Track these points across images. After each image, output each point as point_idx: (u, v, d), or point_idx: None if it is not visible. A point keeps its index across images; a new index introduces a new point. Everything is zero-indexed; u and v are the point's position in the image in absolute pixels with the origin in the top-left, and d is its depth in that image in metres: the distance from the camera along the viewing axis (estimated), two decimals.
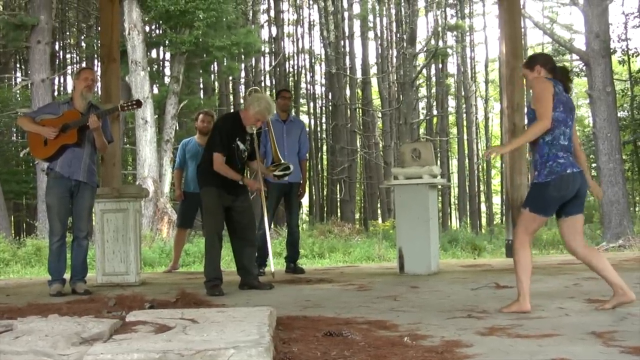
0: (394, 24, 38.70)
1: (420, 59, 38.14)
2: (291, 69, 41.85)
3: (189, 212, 10.15)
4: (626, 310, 5.16)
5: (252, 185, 7.59)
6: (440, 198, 35.30)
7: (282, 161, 8.18)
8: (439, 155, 36.57)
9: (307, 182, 11.11)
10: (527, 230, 5.40)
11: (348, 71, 36.80)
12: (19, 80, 29.30)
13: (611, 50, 21.12)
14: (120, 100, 9.31)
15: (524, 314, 5.18)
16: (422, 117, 40.31)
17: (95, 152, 7.69)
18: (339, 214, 34.76)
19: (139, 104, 7.94)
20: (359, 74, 38.27)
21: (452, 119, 44.43)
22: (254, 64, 36.95)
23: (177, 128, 26.43)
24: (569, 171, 5.26)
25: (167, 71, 30.87)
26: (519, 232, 5.43)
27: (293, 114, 10.64)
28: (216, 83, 34.81)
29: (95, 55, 29.08)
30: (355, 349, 3.90)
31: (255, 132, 7.47)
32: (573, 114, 5.45)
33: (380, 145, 37.70)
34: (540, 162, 5.37)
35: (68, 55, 37.87)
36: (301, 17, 42.04)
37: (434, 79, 42.58)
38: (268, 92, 40.27)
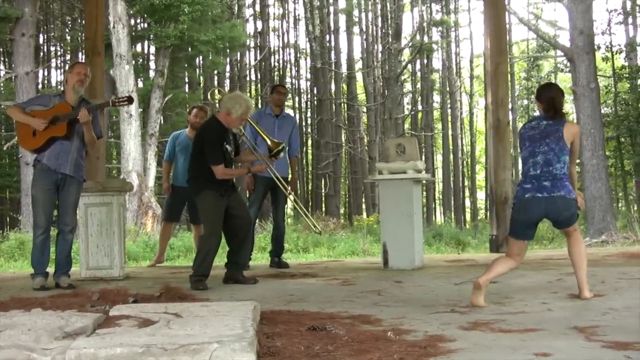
0: (379, 19, 38.72)
1: (406, 54, 38.17)
2: (276, 64, 41.81)
3: (176, 205, 10.09)
4: (607, 305, 5.19)
5: (260, 168, 7.93)
6: (424, 193, 35.38)
7: (278, 146, 8.04)
8: (423, 150, 36.63)
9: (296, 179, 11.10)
10: (509, 252, 5.74)
11: (333, 66, 36.79)
12: (2, 73, 29.13)
13: (595, 47, 21.19)
14: (112, 95, 9.29)
15: (503, 306, 5.23)
16: (407, 112, 40.37)
17: (84, 147, 7.62)
18: (323, 209, 34.79)
19: (130, 100, 7.92)
20: (344, 69, 38.27)
21: (436, 114, 44.52)
22: (239, 58, 36.86)
23: (162, 122, 26.37)
24: (527, 195, 5.48)
25: (152, 65, 30.75)
26: (506, 253, 5.79)
27: (289, 111, 10.62)
28: (201, 77, 34.71)
29: (80, 48, 28.95)
30: (338, 343, 3.91)
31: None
32: (553, 139, 5.50)
33: (365, 140, 37.74)
34: None
35: (52, 48, 37.69)
36: (286, 12, 41.98)
37: (419, 74, 42.62)
38: (253, 87, 40.29)
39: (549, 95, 5.64)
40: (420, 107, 41.84)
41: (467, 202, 44.97)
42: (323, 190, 36.36)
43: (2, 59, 34.77)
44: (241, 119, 7.32)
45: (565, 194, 5.44)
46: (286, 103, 38.97)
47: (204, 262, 7.22)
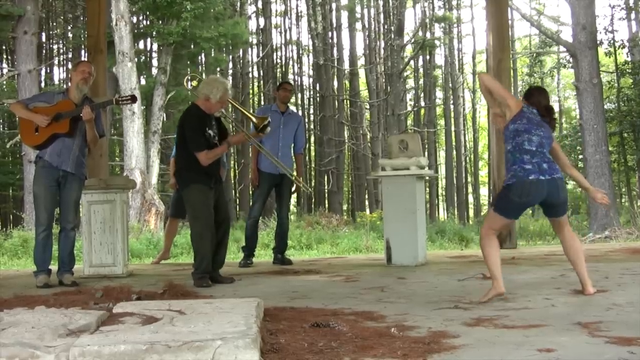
0: (381, 15, 38.70)
1: (408, 51, 38.16)
2: (279, 60, 41.78)
3: (182, 202, 10.07)
4: (611, 301, 5.19)
5: (238, 139, 7.74)
6: (427, 189, 35.32)
7: (263, 121, 7.68)
8: (426, 146, 36.57)
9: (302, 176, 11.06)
10: (491, 227, 5.59)
11: (336, 62, 36.79)
12: (5, 71, 29.14)
13: (598, 42, 21.15)
14: (115, 93, 9.29)
15: (506, 302, 5.23)
16: (409, 108, 40.34)
17: (86, 145, 7.64)
18: (326, 205, 34.78)
19: (133, 99, 7.92)
20: (346, 65, 38.27)
21: (439, 110, 44.47)
22: (241, 55, 36.87)
23: (164, 119, 26.41)
24: (531, 177, 5.40)
25: (155, 62, 30.81)
26: (484, 228, 5.63)
27: (292, 107, 10.55)
28: (204, 74, 34.65)
29: (82, 46, 28.96)
30: (342, 340, 3.91)
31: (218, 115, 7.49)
32: (546, 131, 5.58)
33: (368, 137, 37.71)
34: (507, 168, 5.59)
35: (55, 46, 37.70)
36: (289, 8, 41.96)
37: (421, 70, 42.60)
38: (255, 84, 40.28)
39: (544, 103, 5.69)
40: (422, 104, 41.81)
41: (470, 198, 44.96)
42: (326, 187, 36.35)
43: (5, 56, 34.77)
44: (221, 102, 7.23)
45: (561, 176, 5.54)
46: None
47: (204, 260, 7.15)
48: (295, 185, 9.67)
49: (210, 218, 7.22)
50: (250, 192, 8.88)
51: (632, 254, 9.63)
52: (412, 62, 39.42)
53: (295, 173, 9.64)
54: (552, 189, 5.43)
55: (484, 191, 45.16)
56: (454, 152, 41.70)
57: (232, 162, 34.17)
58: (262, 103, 37.65)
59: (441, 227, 21.22)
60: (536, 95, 5.75)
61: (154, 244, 15.63)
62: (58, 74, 37.10)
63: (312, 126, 40.54)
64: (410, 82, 43.29)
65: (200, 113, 7.22)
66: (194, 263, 7.33)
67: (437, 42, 40.83)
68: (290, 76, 41.53)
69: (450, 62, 41.84)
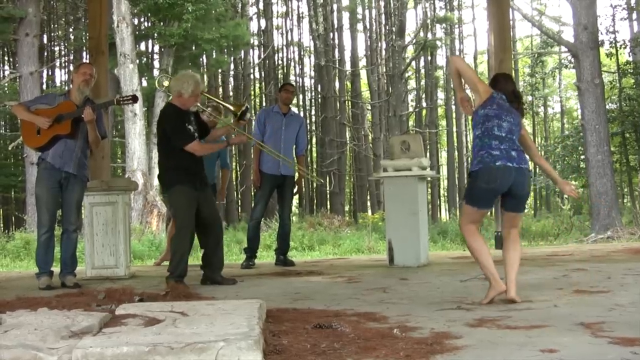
0: (382, 16, 38.67)
1: (409, 52, 38.14)
2: (280, 62, 41.78)
3: None
4: (613, 301, 5.18)
5: (238, 139, 7.57)
6: (429, 190, 35.32)
7: (240, 108, 7.57)
8: (428, 147, 36.57)
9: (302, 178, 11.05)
10: (469, 221, 5.53)
11: (337, 63, 36.80)
12: (7, 73, 29.15)
13: (599, 42, 21.13)
14: (116, 94, 9.28)
15: (509, 302, 5.22)
16: (411, 109, 40.33)
17: (88, 146, 7.63)
18: (328, 206, 34.78)
19: (134, 99, 7.92)
20: (348, 66, 38.27)
21: (441, 111, 44.46)
22: (242, 57, 36.85)
23: None
24: (498, 163, 5.32)
25: (156, 64, 30.80)
26: (463, 224, 5.58)
27: (294, 109, 10.53)
28: (205, 76, 34.68)
29: (84, 48, 28.98)
30: (344, 341, 3.91)
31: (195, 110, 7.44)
32: (515, 118, 5.51)
33: (370, 138, 37.72)
34: (474, 154, 5.50)
35: (56, 48, 37.70)
36: (290, 10, 41.98)
37: (423, 71, 42.58)
38: (257, 85, 40.29)
39: (511, 89, 5.64)
40: (424, 104, 41.79)
41: None
42: (328, 188, 36.37)
43: (6, 59, 34.81)
44: (194, 95, 7.16)
45: (528, 167, 5.49)
46: None
47: (180, 264, 7.10)
48: (297, 186, 9.70)
49: (191, 221, 7.16)
50: (253, 194, 8.84)
51: (634, 254, 9.62)
52: (413, 63, 39.41)
53: (297, 174, 9.68)
54: (519, 178, 5.36)
55: None
56: (456, 153, 41.67)
57: (234, 164, 34.20)
58: (264, 105, 37.67)
59: (443, 227, 21.24)
60: (502, 82, 5.69)
61: (156, 245, 15.64)
62: (60, 76, 37.16)
63: (313, 127, 40.54)
64: (412, 83, 43.31)
65: (176, 110, 7.17)
66: (169, 267, 7.23)
67: (438, 43, 40.84)
68: (292, 77, 41.53)
69: None
